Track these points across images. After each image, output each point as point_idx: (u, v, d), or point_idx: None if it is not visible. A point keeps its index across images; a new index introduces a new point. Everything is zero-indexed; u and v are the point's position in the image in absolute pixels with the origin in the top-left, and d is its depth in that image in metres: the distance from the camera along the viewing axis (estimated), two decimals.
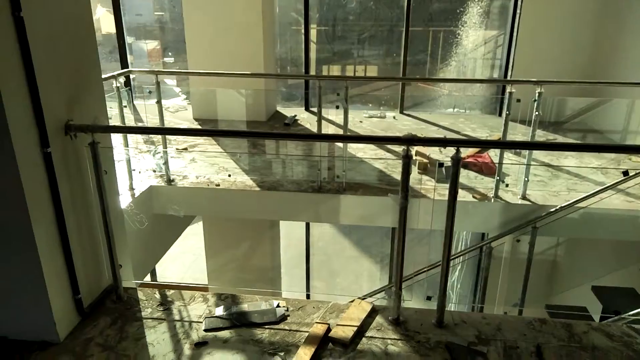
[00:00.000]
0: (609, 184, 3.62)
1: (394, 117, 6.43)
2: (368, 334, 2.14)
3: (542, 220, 3.55)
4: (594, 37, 5.80)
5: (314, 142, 4.83)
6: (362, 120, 6.21)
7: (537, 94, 3.45)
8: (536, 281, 4.21)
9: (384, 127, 5.91)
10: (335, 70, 9.24)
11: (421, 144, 2.36)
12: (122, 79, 3.68)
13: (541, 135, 5.58)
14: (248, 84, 5.98)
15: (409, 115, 6.62)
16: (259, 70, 5.78)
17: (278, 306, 2.28)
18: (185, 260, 7.91)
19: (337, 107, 4.17)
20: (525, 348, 2.05)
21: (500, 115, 6.53)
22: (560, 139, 5.50)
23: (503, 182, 3.74)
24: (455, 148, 1.97)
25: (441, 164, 4.12)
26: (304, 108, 6.88)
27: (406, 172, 1.99)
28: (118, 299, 2.34)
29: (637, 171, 3.61)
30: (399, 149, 2.07)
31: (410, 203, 2.08)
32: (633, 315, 2.73)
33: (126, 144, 3.86)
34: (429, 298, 2.54)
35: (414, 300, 2.57)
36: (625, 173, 3.35)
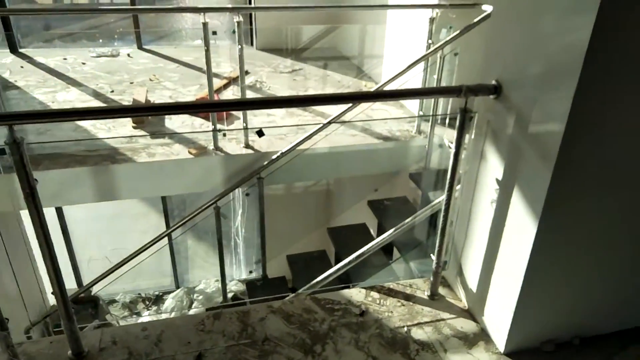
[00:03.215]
0: (326, 121, 3.41)
1: (129, 55, 5.43)
2: None
3: (265, 170, 3.21)
4: None
5: None
6: (84, 62, 5.07)
7: (235, 24, 2.94)
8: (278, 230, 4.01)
9: (112, 69, 4.91)
10: None
11: None
12: None
13: (288, 65, 5.31)
14: None
15: (149, 51, 5.67)
16: None
17: None
18: None
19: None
20: None
21: (252, 44, 6.05)
22: (307, 67, 5.30)
23: (219, 131, 3.27)
24: None
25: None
26: (8, 50, 5.34)
27: None
28: None
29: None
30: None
31: None
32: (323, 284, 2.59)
33: None
34: None
35: None
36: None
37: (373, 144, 3.54)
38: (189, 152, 3.20)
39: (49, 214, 5.98)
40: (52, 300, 5.83)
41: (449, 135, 3.59)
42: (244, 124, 3.29)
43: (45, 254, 1.46)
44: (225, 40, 6.38)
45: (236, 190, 3.33)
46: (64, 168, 2.94)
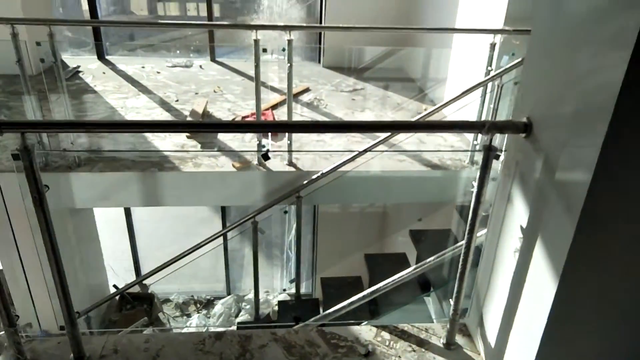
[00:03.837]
0: (373, 143, 3.30)
1: (201, 67, 5.69)
2: None
3: (305, 189, 3.18)
4: None
5: None
6: (159, 71, 5.38)
7: (286, 42, 2.95)
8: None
9: (182, 79, 5.16)
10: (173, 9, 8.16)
11: None
12: None
13: (350, 84, 5.28)
14: None
15: (220, 63, 5.91)
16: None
17: None
18: None
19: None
20: None
21: (319, 62, 6.11)
22: (368, 87, 5.24)
23: (263, 147, 3.29)
24: None
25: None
26: (95, 56, 5.81)
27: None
28: None
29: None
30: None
31: None
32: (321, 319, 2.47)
33: None
34: None
35: None
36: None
37: (421, 172, 3.38)
38: (233, 166, 3.25)
39: (117, 211, 6.38)
40: (112, 290, 6.18)
41: None
42: (288, 142, 3.28)
43: (51, 258, 1.51)
44: (294, 56, 6.52)
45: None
46: (114, 172, 3.10)
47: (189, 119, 3.78)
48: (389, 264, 3.43)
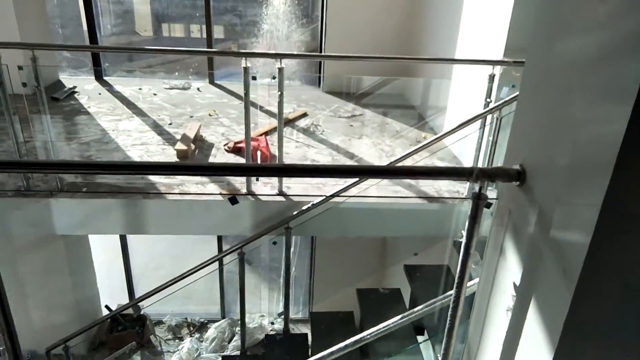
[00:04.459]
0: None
1: (198, 89, 5.63)
2: None
3: (294, 220, 3.05)
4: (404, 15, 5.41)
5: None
6: (156, 93, 5.32)
7: (277, 70, 2.86)
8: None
9: (178, 102, 5.09)
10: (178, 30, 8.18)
11: None
12: None
13: (349, 110, 5.20)
14: None
15: (218, 86, 5.85)
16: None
17: None
18: None
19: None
20: None
21: (319, 86, 6.04)
22: (368, 113, 5.15)
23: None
24: None
25: None
26: (93, 77, 5.77)
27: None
28: None
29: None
30: None
31: None
32: None
33: None
34: None
35: None
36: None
37: (416, 204, 3.25)
38: (220, 194, 3.13)
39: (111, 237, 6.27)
40: (104, 311, 6.03)
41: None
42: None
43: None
44: (295, 80, 6.47)
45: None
46: (97, 198, 2.99)
47: (179, 143, 3.68)
48: (382, 300, 3.27)
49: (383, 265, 4.79)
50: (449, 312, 1.54)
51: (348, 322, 3.26)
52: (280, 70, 2.84)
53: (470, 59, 3.38)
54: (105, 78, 5.78)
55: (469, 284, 1.52)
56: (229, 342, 6.19)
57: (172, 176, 3.30)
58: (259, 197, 3.15)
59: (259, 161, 3.61)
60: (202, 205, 3.08)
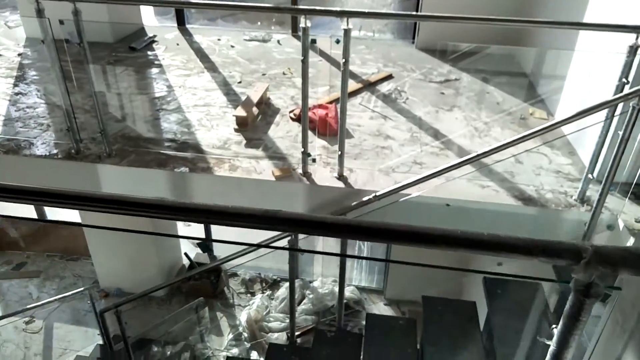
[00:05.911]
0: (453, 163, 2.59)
1: (279, 42, 5.19)
2: None
3: (354, 211, 2.59)
4: None
5: None
6: (234, 45, 4.98)
7: (343, 32, 2.31)
8: None
9: (254, 56, 4.71)
10: None
11: None
12: None
13: (444, 73, 4.46)
14: None
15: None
16: None
17: None
18: None
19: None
20: None
21: (413, 41, 5.28)
22: (465, 77, 4.37)
23: (309, 155, 2.72)
24: None
25: None
26: (176, 24, 5.55)
27: None
28: None
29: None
30: None
31: None
32: None
33: None
34: None
35: None
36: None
37: (507, 205, 2.62)
38: (272, 173, 2.75)
39: None
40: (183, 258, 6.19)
41: (631, 214, 2.47)
42: (339, 152, 2.68)
43: None
44: (386, 33, 5.76)
45: None
46: (143, 167, 2.76)
47: (239, 108, 3.32)
48: (451, 313, 2.75)
49: (457, 272, 4.15)
50: None
51: (408, 332, 2.80)
52: (347, 32, 2.29)
53: (605, 24, 2.53)
54: (187, 26, 5.56)
55: None
56: (299, 303, 6.04)
57: (223, 148, 2.98)
58: (315, 181, 2.71)
59: (326, 134, 3.15)
60: (252, 184, 2.73)
